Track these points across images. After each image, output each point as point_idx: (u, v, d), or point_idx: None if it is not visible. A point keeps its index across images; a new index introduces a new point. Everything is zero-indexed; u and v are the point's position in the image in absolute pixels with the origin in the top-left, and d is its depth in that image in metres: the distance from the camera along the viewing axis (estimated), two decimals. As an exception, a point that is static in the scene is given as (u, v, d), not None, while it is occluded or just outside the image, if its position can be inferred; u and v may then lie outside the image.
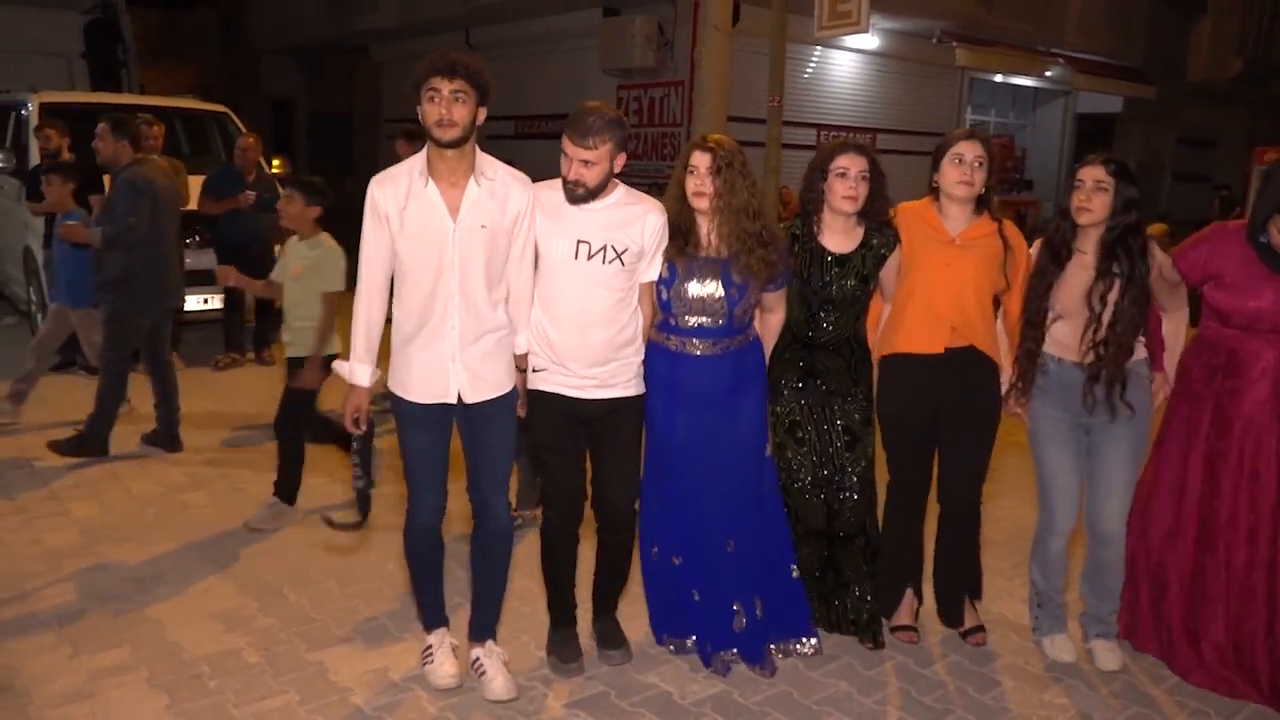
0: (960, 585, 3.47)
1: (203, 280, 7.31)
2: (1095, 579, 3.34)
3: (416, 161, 2.79)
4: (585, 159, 2.84)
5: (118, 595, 3.57)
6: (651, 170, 13.89)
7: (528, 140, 15.27)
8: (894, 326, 3.29)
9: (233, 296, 7.29)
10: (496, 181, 2.81)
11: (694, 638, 3.25)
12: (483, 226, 2.78)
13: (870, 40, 14.65)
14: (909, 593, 3.47)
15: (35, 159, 7.23)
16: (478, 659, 3.04)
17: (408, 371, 2.86)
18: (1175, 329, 3.27)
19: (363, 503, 3.02)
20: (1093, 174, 3.08)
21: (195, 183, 7.14)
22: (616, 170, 2.91)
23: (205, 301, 7.47)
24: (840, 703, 3.05)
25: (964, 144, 3.17)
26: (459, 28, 16.51)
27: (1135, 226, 3.06)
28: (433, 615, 3.10)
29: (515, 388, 2.97)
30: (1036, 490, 3.36)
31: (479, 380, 2.87)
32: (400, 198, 2.75)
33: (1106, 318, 3.07)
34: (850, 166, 3.13)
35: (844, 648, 3.37)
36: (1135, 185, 3.07)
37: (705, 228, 3.01)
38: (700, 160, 2.96)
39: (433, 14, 16.10)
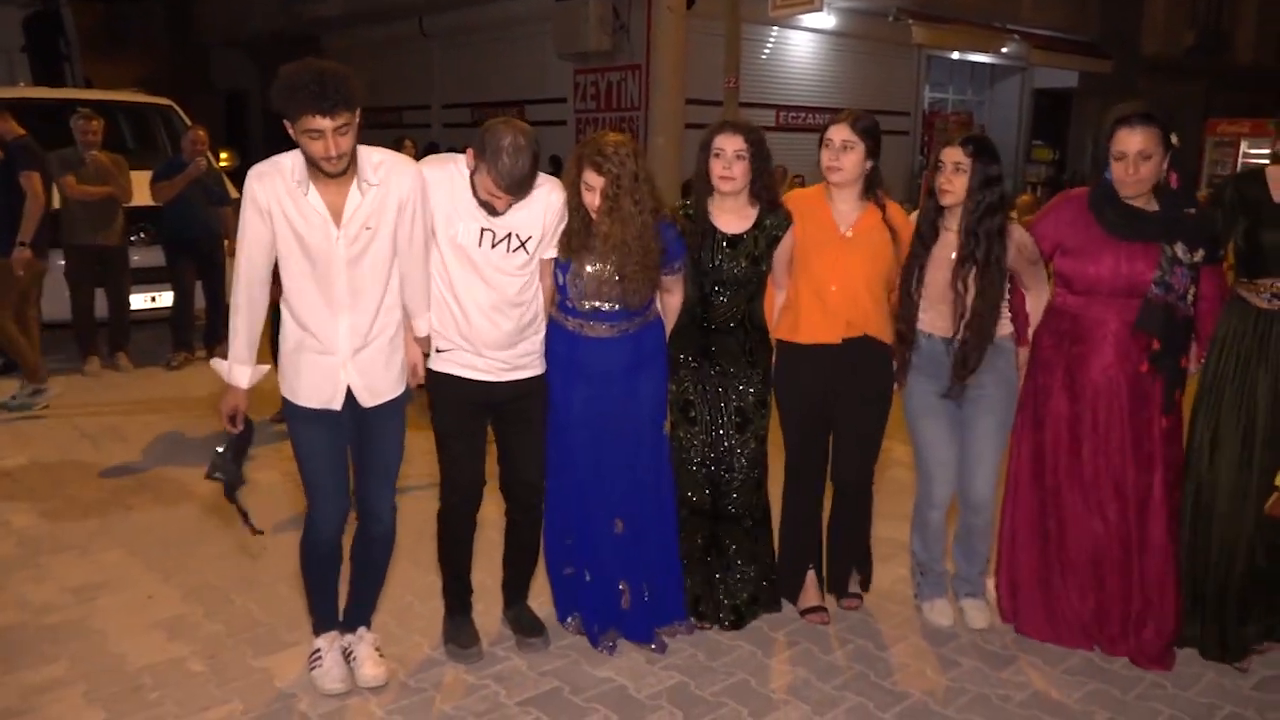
0: (847, 559, 3.52)
1: (150, 278, 7.19)
2: (966, 543, 3.43)
3: (294, 164, 2.63)
4: (511, 200, 2.79)
5: (56, 607, 3.46)
6: (611, 155, 13.77)
7: (485, 128, 15.13)
8: (790, 316, 3.29)
9: (181, 294, 7.13)
10: (378, 184, 2.69)
11: (582, 616, 3.24)
12: (367, 228, 2.69)
13: (827, 19, 14.64)
14: (811, 573, 3.47)
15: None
16: (349, 646, 3.01)
17: (296, 376, 2.76)
18: (1037, 305, 3.28)
19: (233, 501, 2.87)
20: (952, 155, 3.08)
21: (139, 178, 6.96)
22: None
23: (153, 299, 7.31)
24: (799, 690, 3.01)
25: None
26: (411, 14, 16.31)
27: (995, 205, 3.05)
28: (324, 618, 3.02)
29: (408, 389, 2.91)
30: (914, 462, 3.39)
31: (371, 386, 2.79)
32: (280, 198, 2.63)
33: (970, 299, 3.10)
34: (725, 146, 3.09)
35: (803, 633, 3.34)
36: (997, 162, 3.08)
37: (598, 231, 2.92)
38: (591, 178, 2.88)
39: (383, 1, 15.87)
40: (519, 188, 2.74)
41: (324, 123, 2.47)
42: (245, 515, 2.88)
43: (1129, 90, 20.11)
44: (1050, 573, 3.26)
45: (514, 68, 15.24)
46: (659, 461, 3.20)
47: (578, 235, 2.93)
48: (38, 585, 3.63)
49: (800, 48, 15.40)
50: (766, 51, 14.84)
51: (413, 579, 3.66)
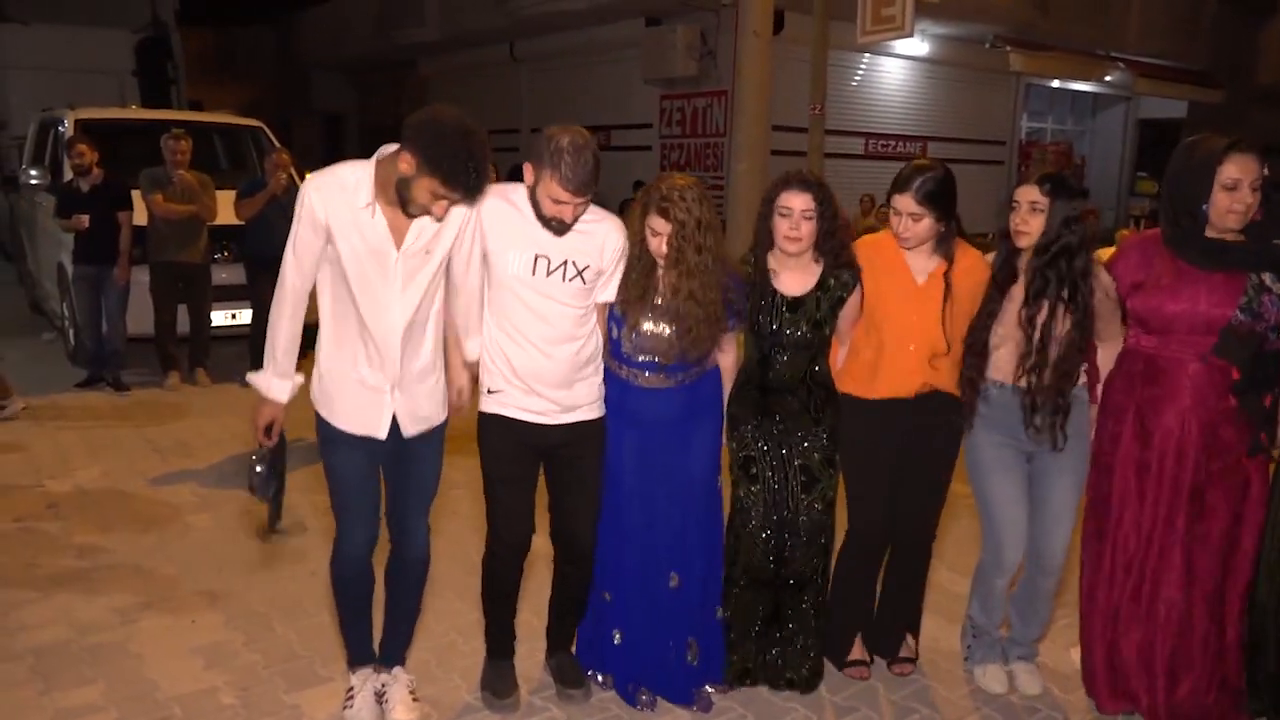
0: (902, 620, 3.32)
1: (232, 295, 7.31)
2: (1029, 606, 3.19)
3: (359, 180, 2.54)
4: (578, 204, 2.67)
5: (101, 626, 3.45)
6: (694, 181, 13.68)
7: (571, 152, 15.18)
8: (861, 370, 3.06)
9: (260, 311, 7.22)
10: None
11: (611, 676, 3.07)
12: (427, 251, 2.59)
13: (920, 46, 14.31)
14: (859, 638, 3.26)
15: (69, 175, 7.27)
16: (384, 686, 2.90)
17: (340, 398, 2.66)
18: (1109, 357, 3.02)
19: (274, 508, 2.80)
20: (1028, 195, 2.86)
21: (225, 197, 7.10)
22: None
23: (233, 317, 7.42)
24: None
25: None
26: (503, 40, 16.54)
27: (1074, 247, 2.82)
28: (359, 652, 2.92)
29: (447, 416, 2.80)
30: (980, 523, 3.13)
31: (416, 415, 2.69)
32: (340, 214, 2.53)
33: (1039, 342, 2.86)
34: (793, 205, 2.87)
35: (860, 697, 3.11)
36: (1080, 198, 2.86)
37: (662, 281, 2.81)
38: (658, 224, 2.75)
39: (475, 26, 16.13)
40: (585, 188, 2.62)
41: (454, 196, 2.43)
42: (276, 515, 2.81)
43: (1241, 121, 19.21)
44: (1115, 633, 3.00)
45: (601, 92, 15.29)
46: (712, 520, 3.01)
47: (636, 287, 2.79)
48: (88, 602, 3.63)
49: (892, 74, 15.09)
50: (857, 78, 14.57)
51: (458, 614, 3.55)
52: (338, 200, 2.52)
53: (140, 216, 6.83)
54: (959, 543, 4.23)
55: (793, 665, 3.11)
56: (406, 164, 2.40)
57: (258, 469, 2.74)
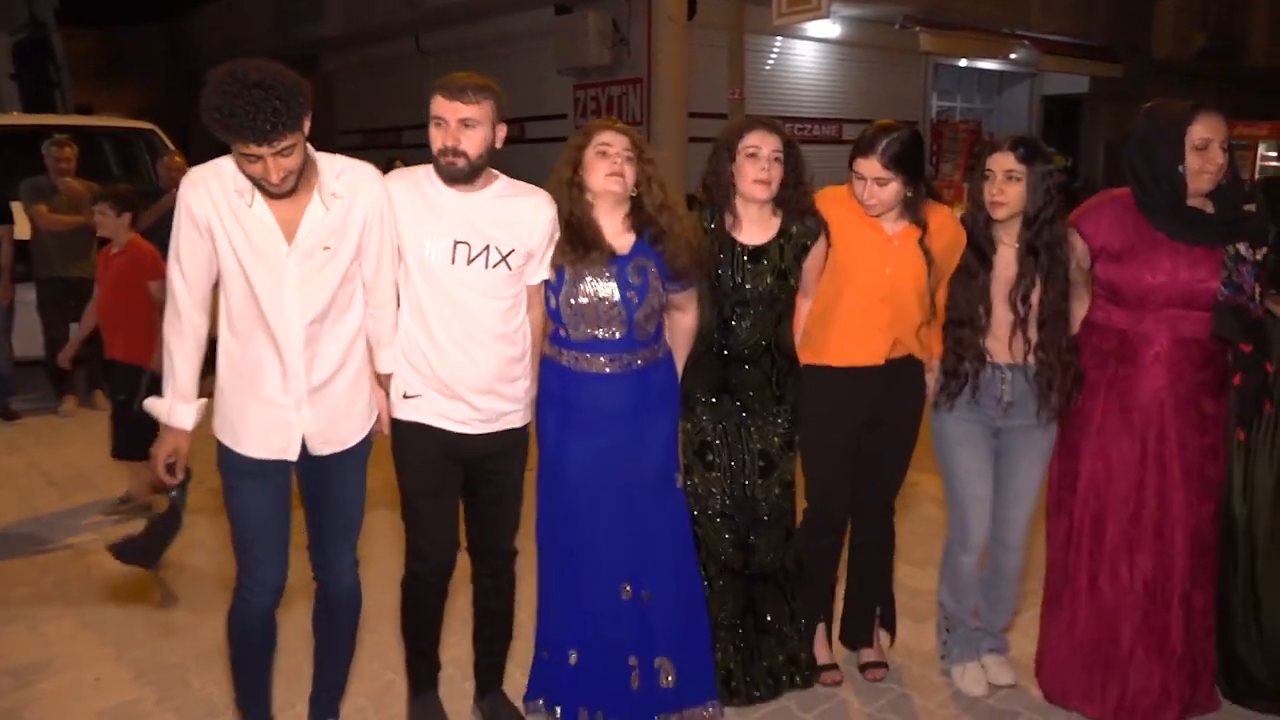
0: (871, 604, 3.12)
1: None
2: (994, 588, 3.06)
3: (235, 168, 2.21)
4: (465, 117, 2.37)
5: (-8, 692, 3.07)
6: (613, 172, 13.45)
7: (485, 146, 14.81)
8: (822, 333, 2.87)
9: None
10: (344, 196, 2.30)
11: (560, 707, 2.79)
12: (326, 248, 2.28)
13: (832, 28, 14.31)
14: (820, 628, 3.08)
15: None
16: None
17: (239, 421, 2.34)
18: (1076, 317, 2.92)
19: (158, 544, 2.47)
20: (1002, 163, 2.72)
21: (116, 206, 6.60)
22: (498, 145, 2.46)
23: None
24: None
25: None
26: (408, 33, 16.04)
27: (1055, 215, 2.72)
28: (253, 717, 2.59)
29: (370, 432, 2.50)
30: (946, 499, 3.01)
31: (330, 431, 2.38)
32: (219, 208, 2.22)
33: (1034, 318, 2.75)
34: (762, 145, 2.69)
35: (833, 714, 2.93)
36: (1050, 162, 2.73)
37: (607, 222, 2.60)
38: (616, 140, 2.57)
39: (379, 20, 15.62)
40: (462, 85, 2.37)
41: (261, 149, 2.08)
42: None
43: (1140, 95, 19.76)
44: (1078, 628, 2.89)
45: (513, 85, 14.74)
46: (678, 519, 2.78)
47: (582, 234, 2.55)
48: (-25, 664, 3.24)
49: (805, 57, 15.05)
50: (771, 62, 14.49)
51: (397, 651, 3.25)
52: (217, 193, 2.21)
53: (23, 230, 6.34)
54: (916, 535, 4.08)
55: (769, 654, 2.91)
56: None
57: (172, 499, 2.41)
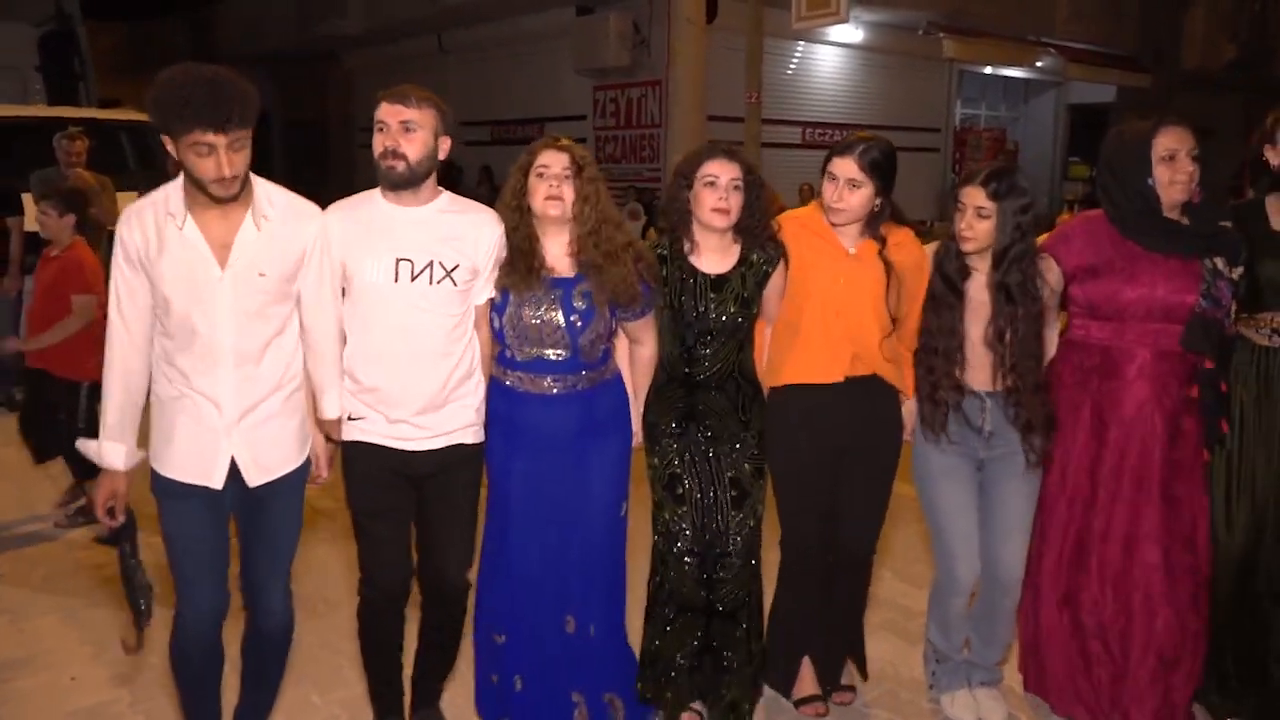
0: (844, 645, 3.03)
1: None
2: (988, 626, 2.94)
3: (170, 194, 2.19)
4: (406, 119, 2.35)
5: (-31, 689, 3.05)
6: (630, 174, 13.41)
7: (504, 146, 14.79)
8: (784, 353, 2.81)
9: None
10: (275, 220, 2.26)
11: None
12: (261, 274, 2.23)
13: (854, 33, 14.21)
14: (806, 660, 2.98)
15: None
16: None
17: (167, 442, 2.28)
18: (1050, 341, 2.87)
19: (143, 609, 2.41)
20: (973, 198, 2.65)
21: (128, 201, 6.62)
22: (441, 156, 2.42)
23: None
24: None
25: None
26: (429, 31, 16.07)
27: (1028, 250, 2.66)
28: None
29: (308, 459, 2.44)
30: (931, 538, 2.92)
31: (259, 459, 2.31)
32: (151, 238, 2.18)
33: (1012, 356, 2.70)
34: (720, 174, 2.62)
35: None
36: (1026, 195, 2.64)
37: (551, 245, 2.54)
38: (554, 160, 2.49)
39: (401, 18, 15.64)
40: (404, 91, 2.37)
41: (217, 138, 2.04)
42: (142, 612, 2.40)
43: (1168, 105, 19.52)
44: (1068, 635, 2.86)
45: (532, 85, 14.92)
46: (614, 554, 2.70)
47: (523, 257, 2.50)
48: (-44, 660, 3.23)
49: (827, 62, 14.96)
50: (792, 67, 14.41)
51: (350, 684, 3.16)
52: (149, 222, 2.18)
53: (33, 221, 6.34)
54: (913, 551, 4.00)
55: (729, 688, 2.80)
56: (167, 143, 2.09)
57: (125, 557, 2.38)
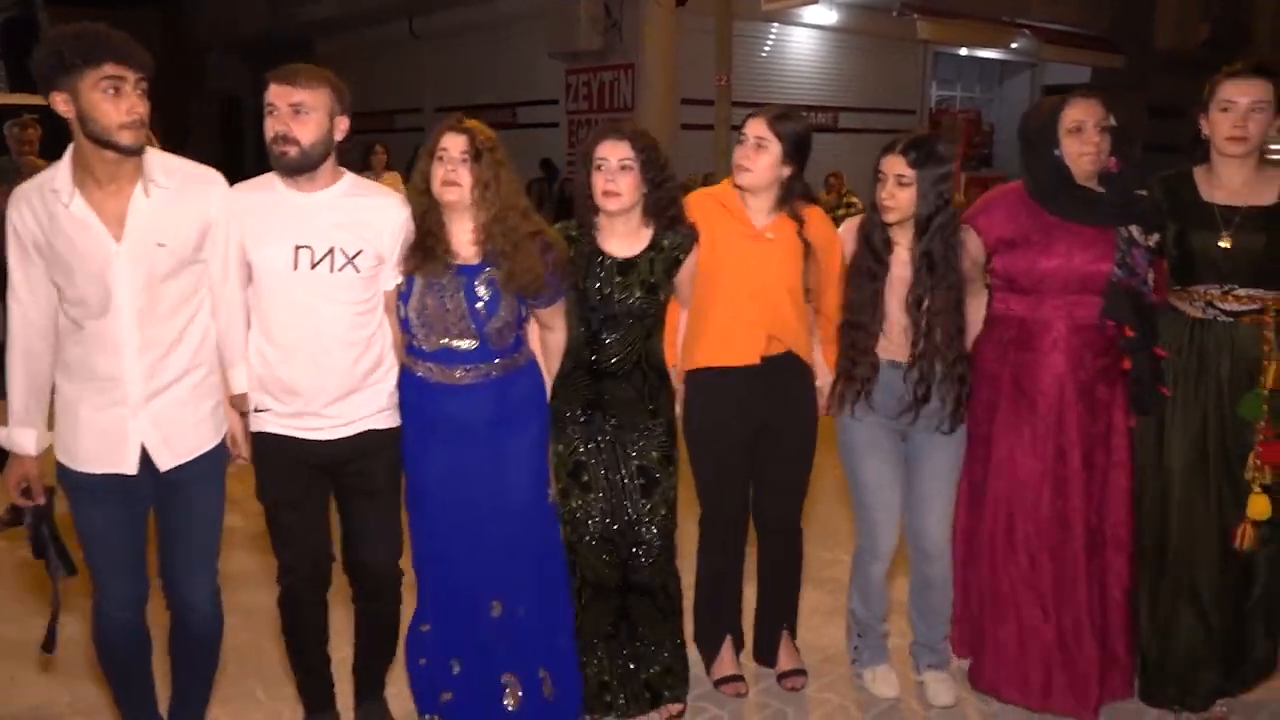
0: (780, 619, 3.04)
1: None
2: (922, 600, 2.97)
3: (61, 167, 2.13)
4: (296, 102, 2.26)
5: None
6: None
7: (476, 131, 14.66)
8: (698, 335, 2.80)
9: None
10: (173, 189, 2.20)
11: (437, 717, 2.70)
12: (160, 245, 2.17)
13: (827, 15, 14.16)
14: (728, 639, 2.99)
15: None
16: None
17: (74, 434, 2.21)
18: (976, 316, 2.87)
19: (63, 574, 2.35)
20: (893, 167, 2.65)
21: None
22: (338, 137, 2.35)
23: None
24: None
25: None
26: (402, 16, 15.95)
27: (949, 220, 2.67)
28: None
29: (223, 442, 2.38)
30: (853, 507, 2.94)
31: (170, 441, 2.25)
32: (43, 219, 2.12)
33: (926, 325, 2.70)
34: (608, 156, 2.58)
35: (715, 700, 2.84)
36: (946, 164, 2.67)
37: (456, 231, 2.48)
38: (452, 143, 2.41)
39: (373, 2, 15.49)
40: (294, 71, 2.30)
41: (129, 72, 2.03)
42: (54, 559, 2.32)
43: (1142, 85, 19.54)
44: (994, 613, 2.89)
45: (505, 69, 14.81)
46: (545, 539, 2.67)
47: (428, 242, 2.43)
48: (-108, 661, 3.16)
49: (801, 45, 14.90)
50: (766, 49, 14.34)
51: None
52: (36, 203, 2.12)
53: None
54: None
55: (647, 664, 2.79)
56: (62, 102, 2.03)
57: (34, 543, 2.30)
